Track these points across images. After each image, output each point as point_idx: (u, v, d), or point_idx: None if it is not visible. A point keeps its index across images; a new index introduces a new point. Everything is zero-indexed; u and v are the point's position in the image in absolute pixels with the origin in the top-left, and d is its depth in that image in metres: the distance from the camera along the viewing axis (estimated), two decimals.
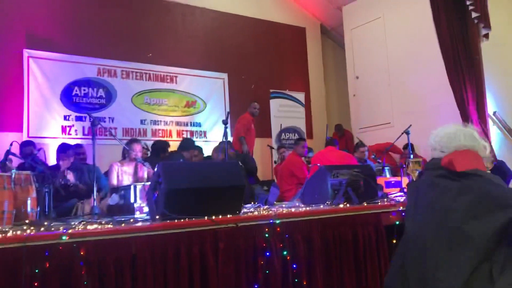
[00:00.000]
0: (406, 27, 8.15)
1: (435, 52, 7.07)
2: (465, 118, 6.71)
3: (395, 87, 8.36)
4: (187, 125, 8.39)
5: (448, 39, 6.89)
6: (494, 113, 7.26)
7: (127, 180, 5.20)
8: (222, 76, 8.88)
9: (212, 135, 8.46)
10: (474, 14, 6.70)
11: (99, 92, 7.61)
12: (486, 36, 6.93)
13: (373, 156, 7.31)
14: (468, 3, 6.66)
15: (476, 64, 6.86)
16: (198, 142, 7.59)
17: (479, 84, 6.83)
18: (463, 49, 6.84)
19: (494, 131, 7.21)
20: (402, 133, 5.70)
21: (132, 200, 3.48)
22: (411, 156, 5.60)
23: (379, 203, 3.54)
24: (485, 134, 6.67)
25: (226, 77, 8.90)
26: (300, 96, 9.48)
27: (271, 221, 2.85)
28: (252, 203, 3.96)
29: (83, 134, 7.27)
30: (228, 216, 2.79)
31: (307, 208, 3.37)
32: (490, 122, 7.04)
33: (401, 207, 3.45)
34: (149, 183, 3.45)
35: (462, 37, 6.87)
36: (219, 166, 3.29)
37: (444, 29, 6.94)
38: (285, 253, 2.87)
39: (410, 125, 5.60)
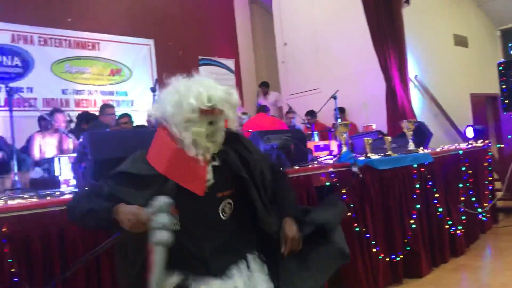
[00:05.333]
0: None
1: (360, 17, 7.23)
2: (388, 82, 6.98)
3: (322, 53, 8.49)
4: (112, 94, 8.07)
5: (372, 4, 7.05)
6: (415, 77, 7.62)
7: (50, 152, 4.95)
8: (148, 42, 8.57)
9: (139, 104, 8.20)
10: None
11: (14, 61, 7.09)
12: (407, 1, 7.18)
13: (302, 121, 7.45)
14: None
15: (398, 29, 7.11)
16: (126, 111, 7.32)
17: (401, 49, 7.10)
18: (386, 14, 7.03)
19: (415, 94, 7.58)
20: (330, 98, 5.84)
21: (56, 173, 3.31)
22: (339, 120, 5.77)
23: (310, 166, 3.62)
24: (407, 97, 7.00)
25: (152, 43, 8.60)
26: (230, 63, 9.39)
27: None
28: None
29: None
30: None
31: None
32: (411, 86, 7.38)
33: (331, 169, 3.55)
34: (74, 154, 3.30)
35: (385, 3, 7.06)
36: (149, 134, 3.17)
37: None
38: None
39: (337, 90, 5.74)
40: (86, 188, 1.78)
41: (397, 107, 6.88)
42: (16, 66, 7.11)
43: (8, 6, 6.99)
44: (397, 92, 6.92)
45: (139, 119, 6.73)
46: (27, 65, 7.22)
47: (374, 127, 6.24)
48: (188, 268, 1.73)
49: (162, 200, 1.56)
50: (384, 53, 6.97)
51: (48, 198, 2.40)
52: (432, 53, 8.15)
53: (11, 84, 6.02)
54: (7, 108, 6.06)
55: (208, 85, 1.77)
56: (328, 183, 3.52)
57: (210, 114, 1.73)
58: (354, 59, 7.78)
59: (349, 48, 7.88)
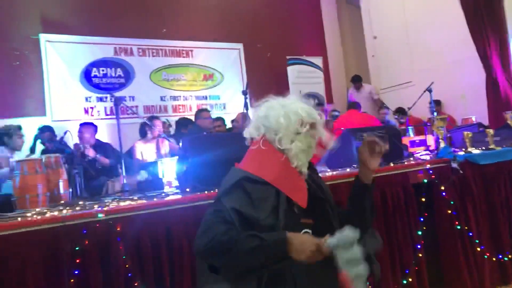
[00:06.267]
0: None
1: (454, 3, 6.87)
2: (488, 70, 6.56)
3: (414, 44, 8.18)
4: (206, 98, 8.41)
5: None
6: None
7: (150, 157, 5.29)
8: (237, 47, 8.82)
9: (231, 106, 8.46)
10: None
11: (117, 72, 7.66)
12: None
13: (396, 116, 7.23)
14: None
15: (498, 12, 6.65)
16: (219, 114, 7.60)
17: (502, 34, 6.64)
18: None
19: None
20: (424, 91, 5.60)
21: (160, 176, 3.54)
22: (435, 113, 5.52)
23: (406, 163, 3.52)
24: (510, 85, 6.53)
25: (241, 47, 8.83)
26: (318, 60, 9.34)
27: None
28: None
29: (106, 114, 7.36)
30: None
31: (334, 173, 3.38)
32: None
33: (428, 165, 3.43)
34: (175, 157, 3.50)
35: None
36: (240, 136, 3.29)
37: None
38: None
39: (432, 82, 5.49)
40: (214, 219, 1.70)
41: (499, 97, 6.45)
42: (119, 76, 7.67)
43: (111, 21, 7.56)
44: (499, 80, 6.48)
45: (231, 122, 6.96)
46: (128, 75, 7.76)
47: (473, 119, 5.90)
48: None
49: (350, 234, 1.49)
50: (483, 40, 6.57)
51: (155, 199, 2.59)
52: None
53: (116, 94, 6.50)
54: (112, 116, 6.57)
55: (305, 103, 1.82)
56: (425, 180, 3.40)
57: (313, 128, 1.78)
58: (449, 48, 7.40)
59: (443, 37, 7.50)
